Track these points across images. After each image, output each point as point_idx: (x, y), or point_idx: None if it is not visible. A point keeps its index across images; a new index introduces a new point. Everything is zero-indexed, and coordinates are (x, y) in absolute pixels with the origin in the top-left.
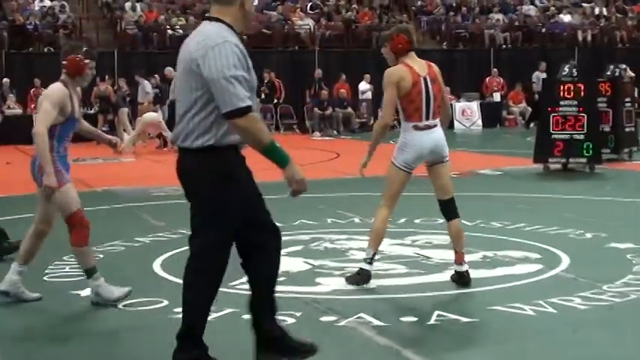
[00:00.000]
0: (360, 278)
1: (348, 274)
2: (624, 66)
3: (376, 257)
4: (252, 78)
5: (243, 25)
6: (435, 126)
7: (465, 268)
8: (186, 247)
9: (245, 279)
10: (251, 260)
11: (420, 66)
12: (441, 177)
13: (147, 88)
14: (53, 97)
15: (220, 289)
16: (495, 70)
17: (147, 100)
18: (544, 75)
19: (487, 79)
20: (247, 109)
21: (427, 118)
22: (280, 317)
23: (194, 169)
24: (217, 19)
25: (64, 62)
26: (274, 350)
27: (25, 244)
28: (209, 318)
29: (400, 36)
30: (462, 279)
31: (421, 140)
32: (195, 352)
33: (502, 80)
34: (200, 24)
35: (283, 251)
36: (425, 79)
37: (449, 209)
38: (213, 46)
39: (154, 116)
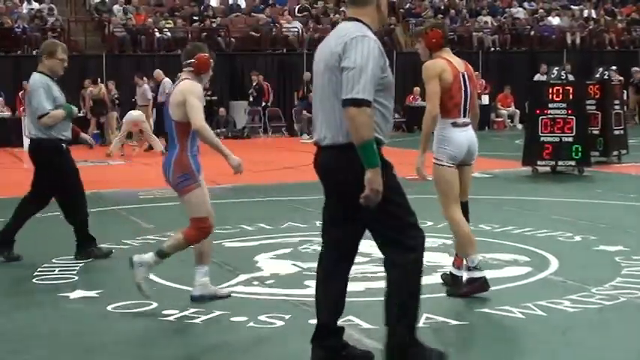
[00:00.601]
0: (480, 285)
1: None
2: (614, 68)
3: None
4: (388, 75)
5: (379, 25)
6: (469, 125)
7: (461, 273)
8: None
9: (237, 280)
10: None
11: (457, 62)
12: (466, 180)
13: (147, 91)
14: (197, 92)
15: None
16: (477, 73)
17: (147, 103)
18: (544, 77)
19: None
20: (364, 103)
21: (464, 116)
22: (269, 319)
23: (342, 165)
24: (355, 19)
25: (191, 61)
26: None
27: (197, 246)
28: (198, 320)
29: (434, 31)
30: (455, 283)
31: (459, 138)
32: (332, 341)
33: (484, 82)
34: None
35: (271, 254)
36: (463, 75)
37: (464, 212)
38: (352, 38)
39: (136, 115)
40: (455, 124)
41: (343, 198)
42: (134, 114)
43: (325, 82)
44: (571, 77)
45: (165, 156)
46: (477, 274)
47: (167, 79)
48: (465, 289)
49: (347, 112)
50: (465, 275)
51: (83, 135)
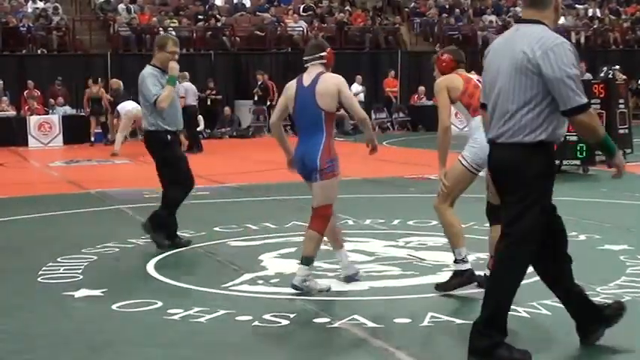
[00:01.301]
0: (465, 279)
1: (440, 282)
2: (617, 67)
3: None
4: (581, 75)
5: (554, 26)
6: None
7: None
8: (179, 250)
9: (242, 279)
10: (555, 244)
11: (471, 75)
12: None
13: None
14: (346, 84)
15: (214, 290)
16: (472, 72)
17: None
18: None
19: None
20: (587, 106)
21: None
22: (273, 318)
23: (522, 163)
24: (537, 21)
25: (323, 54)
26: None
27: (329, 235)
28: (203, 319)
29: (444, 55)
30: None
31: None
32: (497, 337)
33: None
34: (511, 27)
35: (275, 253)
36: (478, 80)
37: (497, 214)
38: (552, 46)
39: (137, 111)
40: None
41: (515, 192)
42: (134, 111)
43: (512, 82)
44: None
45: (299, 144)
46: (463, 267)
47: (187, 83)
48: (453, 282)
49: (576, 120)
50: (452, 267)
51: None
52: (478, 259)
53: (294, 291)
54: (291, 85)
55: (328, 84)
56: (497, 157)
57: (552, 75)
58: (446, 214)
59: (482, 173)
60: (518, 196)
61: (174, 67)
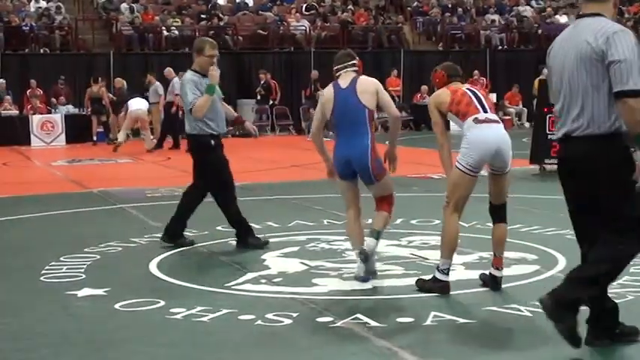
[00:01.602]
0: (436, 287)
1: (420, 279)
2: None
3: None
4: None
5: (612, 19)
6: (498, 122)
7: (501, 274)
8: (183, 249)
9: (244, 278)
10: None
11: (460, 85)
12: (500, 186)
13: (159, 89)
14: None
15: (217, 289)
16: (477, 72)
17: (159, 100)
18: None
19: (469, 80)
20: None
21: (485, 111)
22: (276, 317)
23: (598, 154)
24: (598, 14)
25: (354, 62)
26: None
27: (355, 229)
28: (206, 319)
29: (438, 72)
30: (495, 284)
31: (485, 135)
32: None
33: (485, 80)
34: (572, 21)
35: (278, 252)
36: (467, 88)
37: (499, 213)
38: (613, 32)
39: (141, 112)
40: (477, 120)
41: (593, 186)
42: (139, 111)
43: (580, 75)
44: None
45: (340, 146)
46: (442, 277)
47: (176, 79)
48: (427, 285)
49: (624, 103)
50: (436, 273)
51: (247, 124)
52: (481, 259)
53: (297, 290)
54: (327, 91)
55: (367, 83)
56: (573, 151)
57: (613, 58)
58: (446, 220)
59: (485, 172)
60: (606, 187)
61: (214, 74)
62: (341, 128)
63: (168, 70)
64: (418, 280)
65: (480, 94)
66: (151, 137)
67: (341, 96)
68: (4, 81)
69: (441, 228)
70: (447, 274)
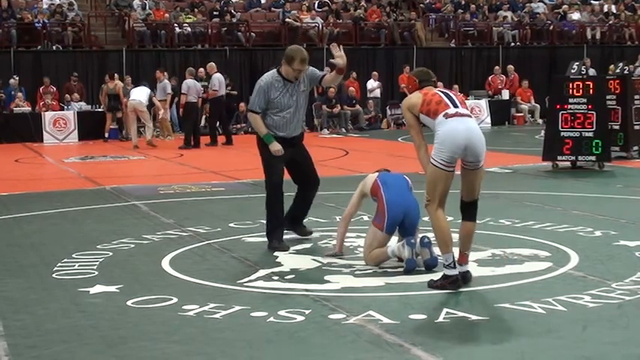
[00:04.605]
0: (448, 283)
1: (432, 280)
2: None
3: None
4: (586, 71)
5: None
6: (470, 116)
7: (467, 268)
8: (194, 246)
9: (257, 275)
10: None
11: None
12: (472, 182)
13: (167, 87)
14: None
15: (230, 286)
16: (498, 67)
17: (167, 97)
18: (592, 71)
19: (490, 77)
20: None
21: (455, 106)
22: (289, 314)
23: None
24: None
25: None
26: None
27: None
28: (218, 315)
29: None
30: (464, 278)
31: (455, 129)
32: None
33: (505, 78)
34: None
35: (291, 249)
36: (438, 90)
37: (469, 211)
38: None
39: (136, 103)
40: (446, 115)
41: None
42: (134, 102)
43: None
44: (592, 72)
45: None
46: (451, 272)
47: (218, 74)
48: (438, 283)
49: None
50: (444, 270)
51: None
52: (494, 255)
53: (309, 287)
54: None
55: None
56: None
57: None
58: (434, 217)
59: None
60: None
61: (276, 149)
62: None
63: (210, 66)
64: (430, 281)
65: (450, 93)
66: (153, 130)
67: None
68: (17, 78)
69: (432, 227)
70: (454, 267)
